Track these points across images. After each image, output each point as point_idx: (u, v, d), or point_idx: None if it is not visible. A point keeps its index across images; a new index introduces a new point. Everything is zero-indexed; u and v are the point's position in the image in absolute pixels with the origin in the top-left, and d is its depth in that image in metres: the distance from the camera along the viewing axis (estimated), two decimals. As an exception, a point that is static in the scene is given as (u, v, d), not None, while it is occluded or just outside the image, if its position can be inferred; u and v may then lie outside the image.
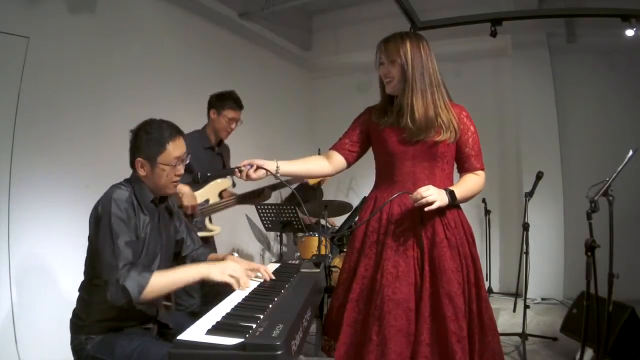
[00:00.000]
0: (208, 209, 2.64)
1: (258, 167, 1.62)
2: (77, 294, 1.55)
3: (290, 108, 5.23)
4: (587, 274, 1.96)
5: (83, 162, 2.73)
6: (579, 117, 4.25)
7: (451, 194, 1.56)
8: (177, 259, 1.75)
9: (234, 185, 2.81)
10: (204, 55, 3.80)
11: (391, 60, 1.60)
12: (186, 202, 2.47)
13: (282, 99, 5.06)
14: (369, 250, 1.63)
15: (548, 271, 4.05)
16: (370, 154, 1.82)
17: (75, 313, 1.51)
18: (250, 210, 4.10)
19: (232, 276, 1.42)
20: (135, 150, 1.53)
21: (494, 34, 3.56)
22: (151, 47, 3.31)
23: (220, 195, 2.74)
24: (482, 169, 1.68)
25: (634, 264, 3.43)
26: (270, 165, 1.63)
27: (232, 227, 4.16)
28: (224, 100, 2.65)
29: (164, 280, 1.38)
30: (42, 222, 2.51)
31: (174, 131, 1.55)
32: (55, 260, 2.52)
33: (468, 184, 1.65)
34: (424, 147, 1.60)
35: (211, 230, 2.66)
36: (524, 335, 2.80)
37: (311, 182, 3.57)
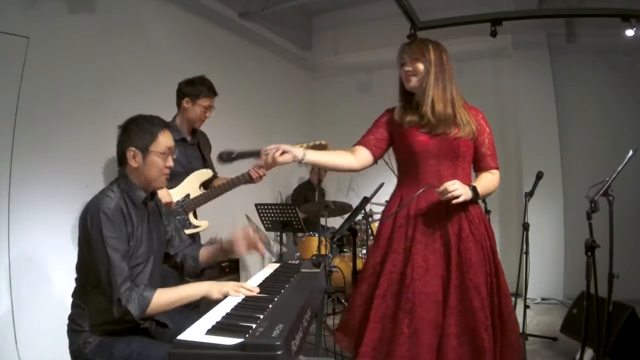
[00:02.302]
0: (189, 204, 2.51)
1: (284, 152, 1.62)
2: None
3: (290, 108, 5.23)
4: (587, 274, 1.96)
5: (83, 162, 2.73)
6: (579, 117, 4.25)
7: (474, 190, 1.63)
8: (166, 258, 1.77)
9: (215, 176, 2.67)
10: (204, 55, 3.79)
11: (415, 59, 1.70)
12: (162, 200, 2.28)
13: (282, 99, 5.05)
14: (397, 246, 1.68)
15: (548, 271, 4.05)
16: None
17: (71, 319, 1.51)
18: (250, 210, 4.10)
19: (229, 293, 1.43)
20: (126, 141, 1.54)
21: (494, 34, 3.56)
22: (151, 47, 3.31)
23: (202, 188, 2.59)
24: (497, 168, 1.79)
25: (634, 264, 3.43)
26: (298, 151, 1.63)
27: (232, 227, 4.15)
28: (198, 88, 2.53)
29: (165, 299, 1.42)
30: (42, 221, 2.51)
31: (163, 124, 1.60)
32: (55, 260, 2.52)
33: (486, 182, 1.74)
34: (446, 145, 1.68)
35: (198, 227, 2.54)
36: (524, 335, 2.80)
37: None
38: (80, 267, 1.51)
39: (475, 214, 1.70)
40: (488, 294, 1.59)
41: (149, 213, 1.63)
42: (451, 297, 1.56)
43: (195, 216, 2.57)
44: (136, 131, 1.54)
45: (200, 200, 2.54)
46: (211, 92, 2.56)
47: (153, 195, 1.66)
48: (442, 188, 1.55)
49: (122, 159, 1.57)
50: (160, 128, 1.57)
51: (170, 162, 1.60)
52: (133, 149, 1.53)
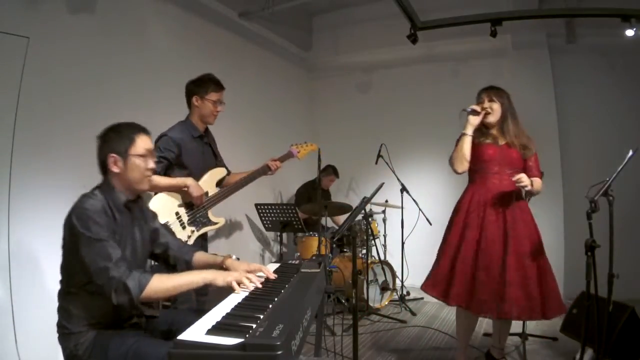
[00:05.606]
0: (209, 201, 2.59)
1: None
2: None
3: (290, 108, 5.23)
4: (587, 274, 1.96)
5: (82, 162, 2.71)
6: (579, 117, 4.25)
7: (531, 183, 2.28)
8: (154, 256, 1.79)
9: (228, 173, 2.78)
10: (203, 55, 3.79)
11: (491, 100, 2.42)
12: (195, 193, 2.44)
13: (282, 99, 5.06)
14: (473, 223, 2.34)
15: (548, 271, 4.05)
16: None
17: (59, 324, 1.52)
18: (250, 210, 4.10)
19: (234, 281, 1.48)
20: (106, 148, 1.57)
21: (494, 34, 3.56)
22: (151, 47, 3.31)
23: (218, 185, 2.69)
24: (540, 176, 2.40)
25: (634, 264, 3.43)
26: None
27: (232, 227, 4.16)
28: (205, 84, 2.57)
29: (167, 283, 1.44)
30: (42, 221, 2.51)
31: (140, 128, 1.63)
32: (55, 260, 2.50)
33: (536, 183, 2.34)
34: (508, 159, 2.35)
35: (216, 223, 2.64)
36: (524, 335, 2.81)
37: None
38: (66, 268, 1.53)
39: (524, 205, 2.40)
40: (533, 257, 2.28)
41: (133, 216, 1.64)
42: (509, 259, 2.23)
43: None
44: (114, 137, 1.57)
45: (220, 197, 2.62)
46: (218, 86, 2.60)
47: (137, 198, 1.67)
48: (517, 177, 2.21)
49: (104, 167, 1.59)
50: (137, 132, 1.60)
51: (151, 164, 1.62)
52: (113, 155, 1.55)
